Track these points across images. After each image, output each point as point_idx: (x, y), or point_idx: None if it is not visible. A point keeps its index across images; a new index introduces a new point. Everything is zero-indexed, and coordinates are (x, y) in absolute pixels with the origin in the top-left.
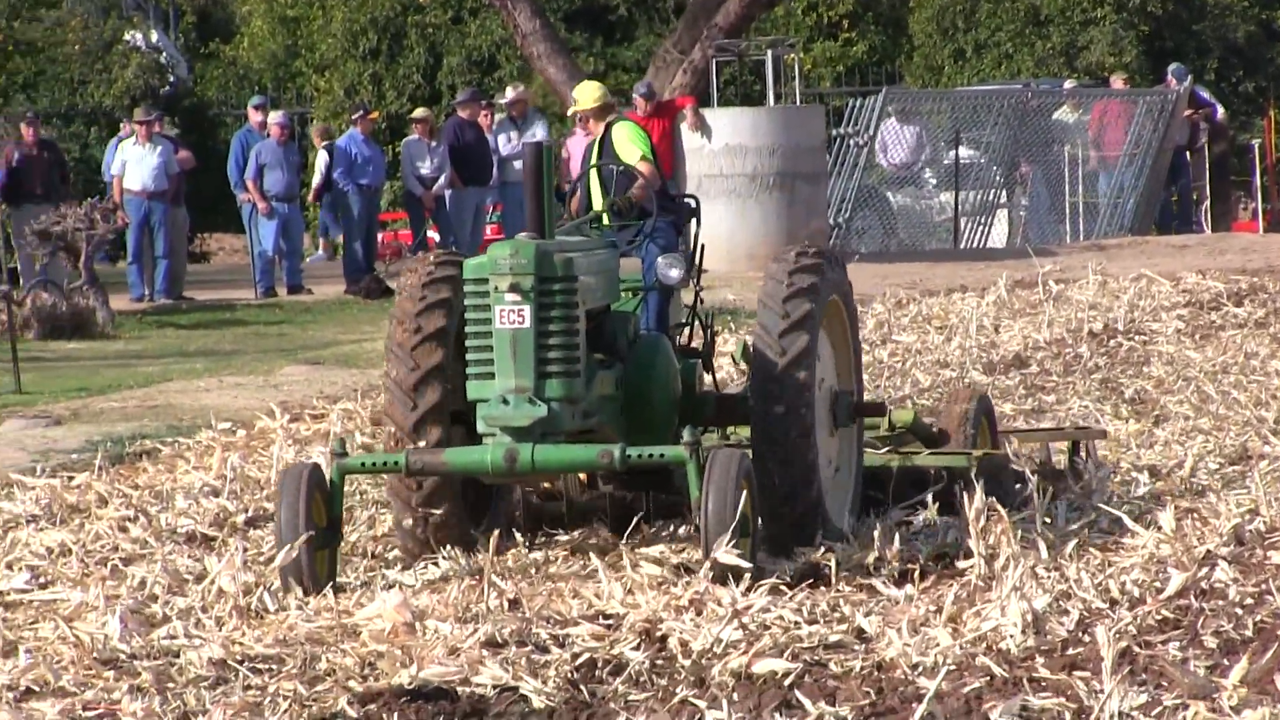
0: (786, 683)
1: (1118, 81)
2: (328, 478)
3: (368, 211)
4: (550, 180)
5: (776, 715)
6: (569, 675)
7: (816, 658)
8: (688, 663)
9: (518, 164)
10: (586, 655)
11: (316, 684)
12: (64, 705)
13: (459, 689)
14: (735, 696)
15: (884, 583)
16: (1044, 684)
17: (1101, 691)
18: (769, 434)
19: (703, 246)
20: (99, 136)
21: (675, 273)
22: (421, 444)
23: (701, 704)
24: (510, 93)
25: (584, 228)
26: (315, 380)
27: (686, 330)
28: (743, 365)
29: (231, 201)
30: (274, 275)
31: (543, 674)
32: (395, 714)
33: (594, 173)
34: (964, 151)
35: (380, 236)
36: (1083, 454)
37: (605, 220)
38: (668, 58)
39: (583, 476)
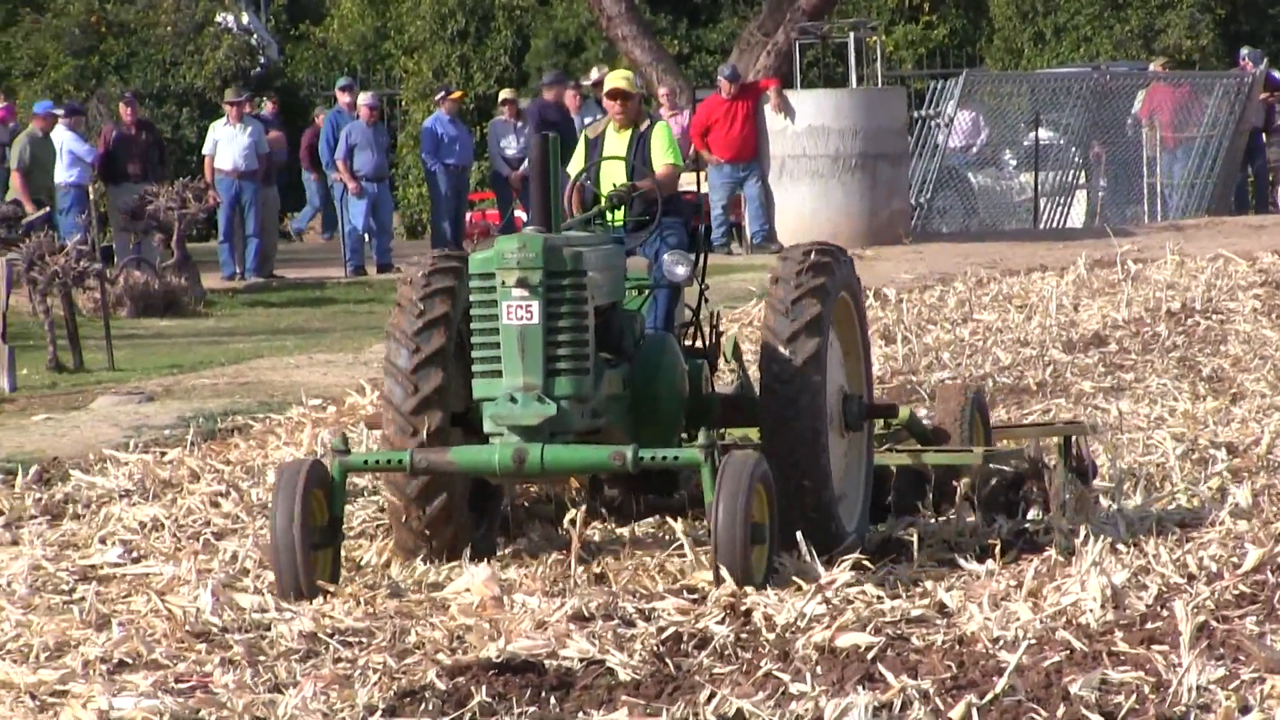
0: (869, 656)
1: (1156, 65)
2: (330, 474)
3: (455, 191)
4: (558, 173)
5: (859, 688)
6: (654, 649)
7: (899, 632)
8: (772, 636)
9: None
10: (672, 629)
11: (405, 657)
12: (156, 677)
13: (546, 662)
14: (818, 670)
15: (965, 558)
16: (1123, 658)
17: (1180, 665)
18: (778, 437)
19: (708, 245)
20: (191, 117)
21: (682, 270)
22: (421, 430)
23: (785, 677)
24: (595, 74)
25: (590, 224)
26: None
27: (692, 330)
28: (734, 363)
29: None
30: (363, 254)
31: (628, 647)
32: (483, 686)
33: (604, 168)
34: (1043, 133)
35: (468, 216)
36: (1075, 449)
37: (611, 217)
38: (752, 40)
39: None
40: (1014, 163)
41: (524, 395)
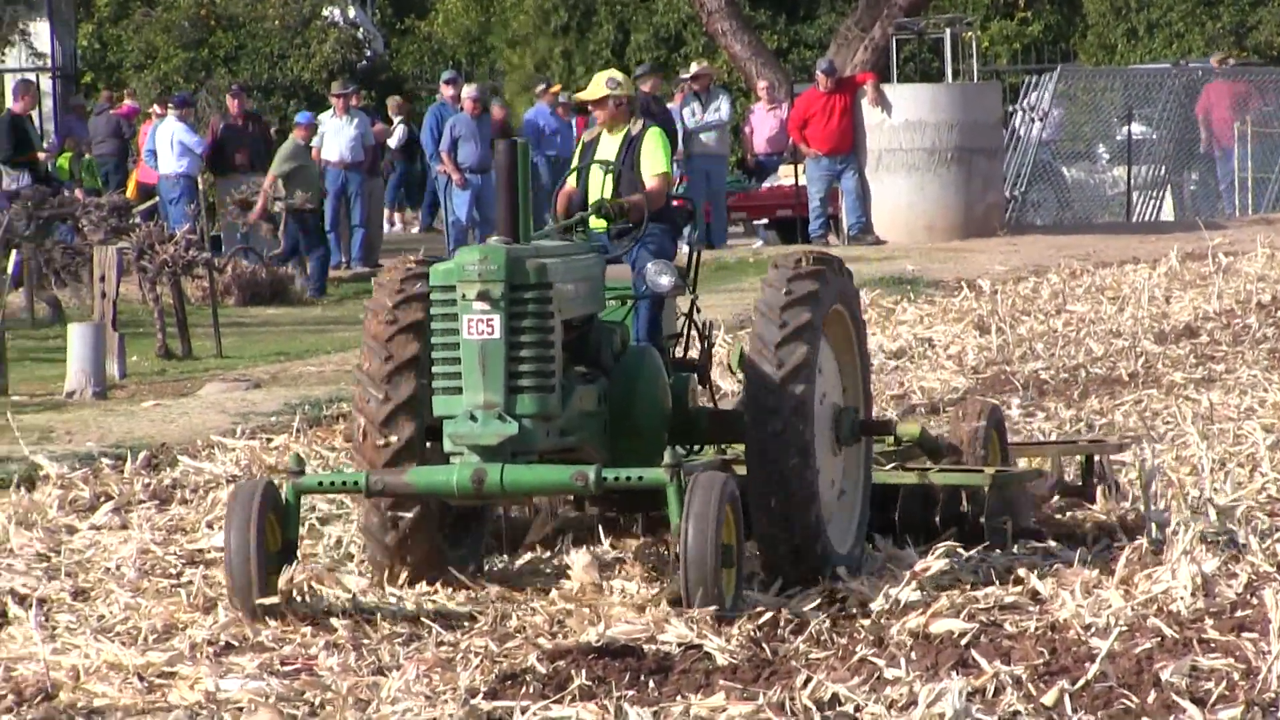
0: (963, 642)
1: (1215, 60)
2: (283, 497)
3: (556, 182)
4: (527, 180)
5: (953, 674)
6: (751, 634)
7: (992, 618)
8: (867, 622)
9: (703, 137)
10: (769, 614)
11: (507, 641)
12: (262, 659)
13: (645, 646)
14: (913, 655)
15: (1058, 546)
16: (1213, 645)
17: (1269, 652)
18: (764, 452)
19: (699, 253)
20: (298, 109)
21: (666, 280)
22: (392, 439)
23: (880, 662)
24: (695, 68)
25: (570, 231)
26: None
27: (683, 341)
28: (740, 375)
29: (425, 173)
30: (467, 244)
31: (726, 632)
32: (582, 670)
33: (593, 173)
34: (1136, 128)
35: None
36: (1098, 469)
37: (596, 223)
38: (849, 35)
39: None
40: (1107, 157)
41: (484, 413)
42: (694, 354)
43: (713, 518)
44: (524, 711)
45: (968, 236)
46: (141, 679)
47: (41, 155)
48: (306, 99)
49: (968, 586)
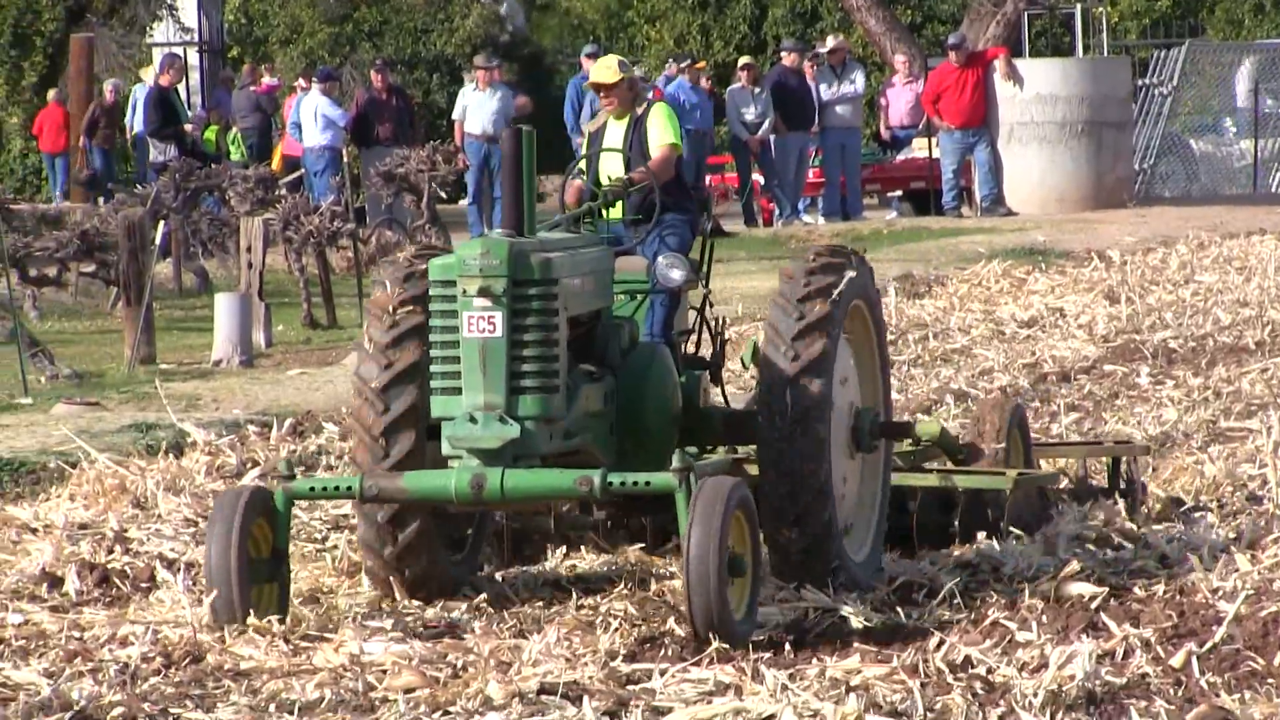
0: (1093, 606)
1: None
2: (273, 503)
3: (695, 155)
4: (532, 169)
5: (1083, 637)
6: (885, 597)
7: (1121, 582)
8: (999, 586)
9: (839, 109)
10: (902, 578)
11: (646, 605)
12: (406, 623)
13: (781, 609)
14: (1044, 619)
15: (1186, 512)
16: None
17: None
18: (775, 451)
19: (712, 245)
20: (441, 83)
21: (677, 274)
22: (392, 452)
23: (1012, 625)
24: (831, 42)
25: (579, 222)
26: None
27: (694, 338)
28: (753, 370)
29: (567, 145)
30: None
31: (861, 596)
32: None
33: (602, 160)
34: (1263, 101)
35: (708, 179)
36: (1124, 470)
37: (606, 214)
38: (982, 10)
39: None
40: (1234, 129)
41: (485, 415)
42: (707, 351)
43: (719, 526)
44: (662, 673)
45: (1098, 208)
46: (287, 642)
47: (188, 128)
48: (449, 73)
49: (1098, 551)
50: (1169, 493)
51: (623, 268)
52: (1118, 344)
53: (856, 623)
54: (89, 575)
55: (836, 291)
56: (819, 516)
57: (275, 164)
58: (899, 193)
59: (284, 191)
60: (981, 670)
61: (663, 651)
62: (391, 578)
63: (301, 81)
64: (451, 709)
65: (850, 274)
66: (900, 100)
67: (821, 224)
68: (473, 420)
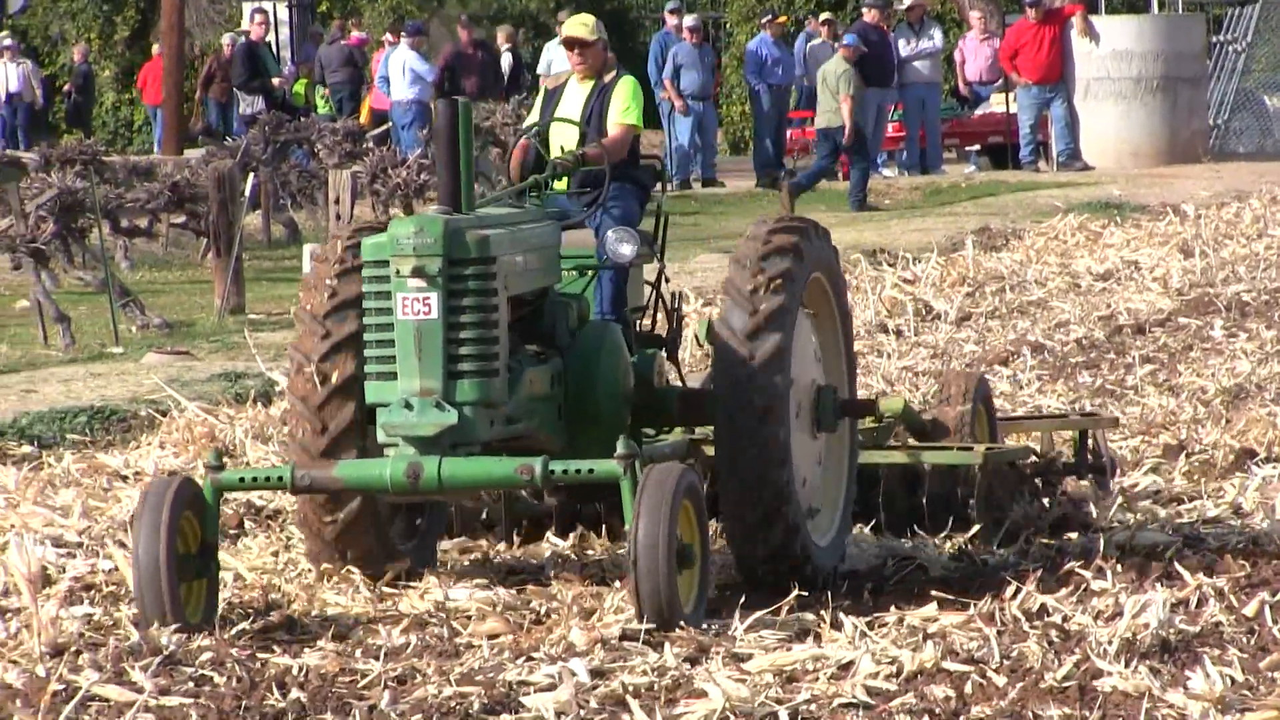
0: (1167, 555)
1: None
2: (202, 495)
3: (776, 110)
4: (469, 143)
5: (1157, 585)
6: (962, 546)
7: (1195, 532)
8: (1075, 536)
9: (917, 64)
10: (978, 527)
11: (727, 553)
12: (491, 574)
13: (863, 554)
14: (1119, 568)
15: (1258, 463)
16: None
17: None
18: (734, 449)
19: (666, 217)
20: (526, 38)
21: (627, 249)
22: (330, 425)
23: (1087, 574)
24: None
25: (524, 195)
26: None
27: (649, 314)
28: (707, 348)
29: (651, 100)
30: (689, 169)
31: (939, 546)
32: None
33: (555, 128)
34: None
35: (788, 133)
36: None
37: (558, 185)
38: None
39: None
40: None
41: (421, 401)
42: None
43: (666, 515)
44: (744, 619)
45: (1172, 163)
46: (372, 589)
47: (276, 81)
48: (534, 28)
49: (1173, 502)
50: (1243, 444)
51: (571, 242)
52: (1191, 297)
53: (934, 571)
54: None
55: (789, 282)
56: (780, 524)
57: (363, 117)
58: (977, 147)
59: (371, 144)
60: (1057, 618)
61: (743, 598)
62: (333, 559)
63: (389, 36)
64: (535, 655)
65: (806, 253)
66: (978, 56)
67: (901, 178)
68: (408, 406)
